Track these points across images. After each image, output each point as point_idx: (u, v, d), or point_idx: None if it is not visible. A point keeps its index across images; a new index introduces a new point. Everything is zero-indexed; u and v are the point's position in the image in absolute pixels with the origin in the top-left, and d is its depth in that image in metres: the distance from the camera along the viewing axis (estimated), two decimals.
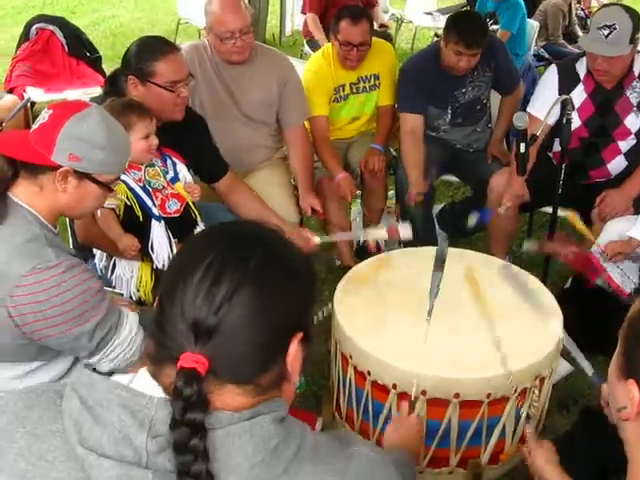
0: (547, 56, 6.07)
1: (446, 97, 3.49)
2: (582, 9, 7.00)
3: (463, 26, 3.30)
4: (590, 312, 2.81)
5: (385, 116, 3.62)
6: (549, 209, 3.12)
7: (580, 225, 2.89)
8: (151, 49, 2.47)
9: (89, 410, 0.93)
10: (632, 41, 2.89)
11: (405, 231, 2.65)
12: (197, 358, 0.93)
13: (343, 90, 3.51)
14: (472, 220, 3.13)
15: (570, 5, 6.54)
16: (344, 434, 1.16)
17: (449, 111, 3.53)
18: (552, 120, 3.00)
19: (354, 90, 3.53)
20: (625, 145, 3.14)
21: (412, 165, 3.35)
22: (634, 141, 3.12)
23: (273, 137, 3.24)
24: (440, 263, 2.22)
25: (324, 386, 2.70)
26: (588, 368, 1.97)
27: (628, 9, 2.95)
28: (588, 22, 6.73)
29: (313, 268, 1.12)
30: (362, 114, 3.64)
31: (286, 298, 1.02)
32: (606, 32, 2.84)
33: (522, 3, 5.77)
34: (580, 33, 6.34)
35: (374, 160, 3.44)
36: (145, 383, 0.98)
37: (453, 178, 3.87)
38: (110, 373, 1.80)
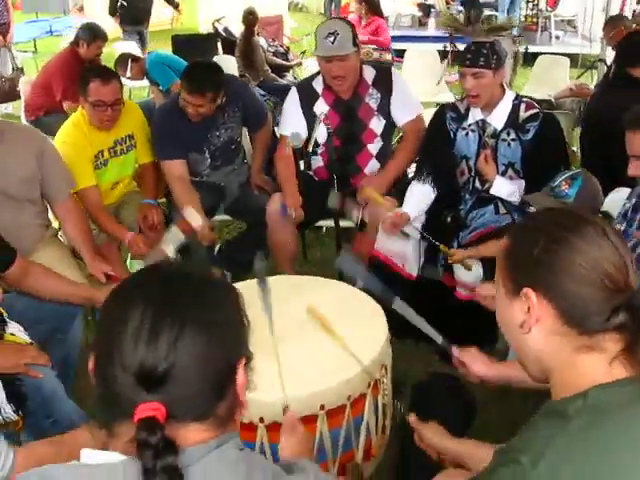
0: (263, 92, 6.40)
1: (201, 142, 3.55)
2: (280, 45, 7.55)
3: (190, 76, 3.38)
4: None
5: (148, 172, 3.62)
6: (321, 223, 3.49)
7: (376, 196, 3.17)
8: None
9: None
10: (355, 45, 3.24)
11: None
12: (153, 406, 0.94)
13: (102, 156, 3.42)
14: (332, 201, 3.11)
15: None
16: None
17: (207, 155, 3.59)
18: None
19: (112, 154, 3.46)
20: (374, 148, 3.46)
21: (190, 204, 3.35)
22: (381, 143, 3.45)
23: (42, 214, 2.98)
24: (262, 279, 2.18)
25: None
26: (436, 336, 2.06)
27: (344, 20, 3.34)
28: (289, 56, 7.32)
29: (235, 293, 1.13)
30: (123, 177, 3.59)
31: (224, 328, 1.05)
32: (332, 39, 3.18)
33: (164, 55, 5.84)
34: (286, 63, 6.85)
35: (152, 214, 3.40)
36: (94, 454, 0.97)
37: (221, 217, 3.90)
38: None
